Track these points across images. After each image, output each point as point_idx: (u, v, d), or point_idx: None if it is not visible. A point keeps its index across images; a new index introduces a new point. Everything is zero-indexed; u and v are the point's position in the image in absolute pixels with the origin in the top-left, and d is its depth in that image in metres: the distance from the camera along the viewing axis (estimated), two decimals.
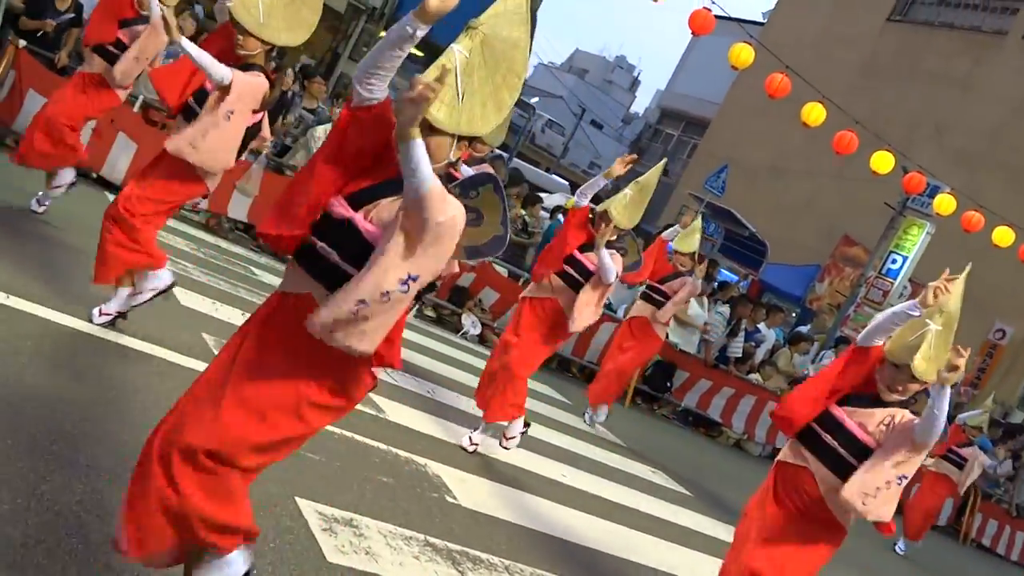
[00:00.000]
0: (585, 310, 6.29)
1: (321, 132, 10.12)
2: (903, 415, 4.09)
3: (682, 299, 9.17)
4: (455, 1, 2.49)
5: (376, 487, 4.77)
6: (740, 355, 12.58)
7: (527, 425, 6.39)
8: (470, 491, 5.44)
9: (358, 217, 2.68)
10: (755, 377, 12.71)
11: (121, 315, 5.28)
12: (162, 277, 5.37)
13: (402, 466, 5.29)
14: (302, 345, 2.69)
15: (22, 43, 8.63)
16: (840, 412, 4.18)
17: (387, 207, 2.68)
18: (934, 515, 11.36)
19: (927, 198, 15.73)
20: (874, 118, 17.47)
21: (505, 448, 6.32)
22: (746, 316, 12.78)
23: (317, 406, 2.76)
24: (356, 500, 4.48)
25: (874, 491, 3.95)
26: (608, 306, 11.67)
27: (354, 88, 2.67)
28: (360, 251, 2.63)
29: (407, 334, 8.94)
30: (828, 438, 4.16)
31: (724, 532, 7.71)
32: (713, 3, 11.77)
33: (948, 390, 3.88)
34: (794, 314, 18.49)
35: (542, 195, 16.34)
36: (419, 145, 2.46)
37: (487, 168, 7.46)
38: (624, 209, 6.45)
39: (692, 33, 12.16)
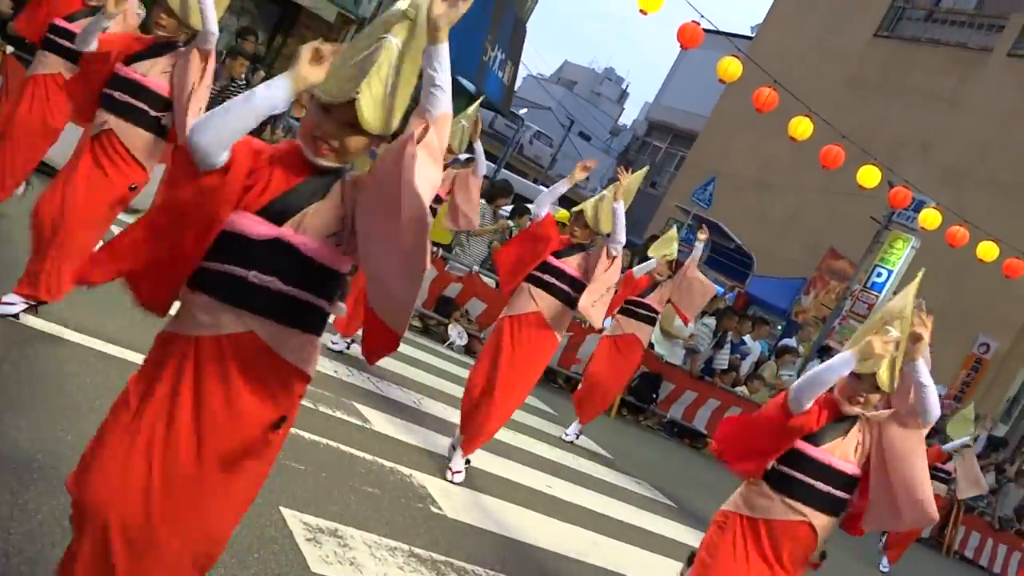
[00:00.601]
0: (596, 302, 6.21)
1: None
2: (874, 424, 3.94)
3: (695, 260, 9.16)
4: (321, 76, 2.40)
5: (361, 497, 4.77)
6: (726, 367, 12.61)
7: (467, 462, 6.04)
8: (455, 502, 5.44)
9: (287, 233, 2.44)
10: (741, 389, 12.73)
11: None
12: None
13: (387, 476, 5.28)
14: (255, 388, 2.47)
15: (10, 49, 8.60)
16: (819, 453, 3.92)
17: (316, 214, 2.47)
18: (917, 535, 11.21)
19: (912, 212, 15.83)
20: (860, 133, 17.56)
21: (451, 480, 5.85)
22: (732, 328, 12.82)
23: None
24: (341, 510, 4.47)
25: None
26: None
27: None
28: (302, 270, 2.45)
29: None
30: (820, 485, 3.92)
31: None
32: (702, 17, 11.84)
33: (922, 361, 3.76)
34: (780, 327, 18.53)
35: (530, 206, 16.39)
36: (446, 49, 2.36)
37: (462, 173, 7.43)
38: (599, 211, 6.24)
39: (681, 46, 12.23)
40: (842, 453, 3.93)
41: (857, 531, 4.15)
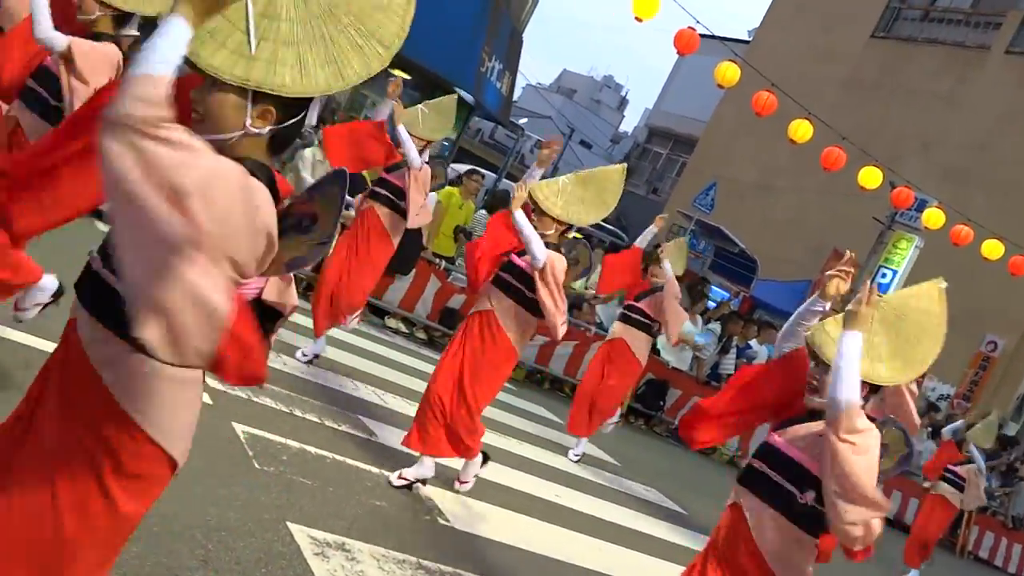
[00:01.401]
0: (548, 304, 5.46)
1: (309, 154, 10.13)
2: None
3: (672, 313, 8.27)
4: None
5: (368, 511, 4.75)
6: (732, 372, 12.58)
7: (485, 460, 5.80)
8: (463, 513, 5.42)
9: None
10: None
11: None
12: (46, 287, 4.64)
13: (394, 489, 5.27)
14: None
15: None
16: (780, 440, 3.52)
17: None
18: (934, 542, 10.92)
19: (915, 212, 15.81)
20: (860, 133, 17.54)
21: (458, 490, 5.73)
22: (737, 333, 12.80)
23: None
24: (348, 524, 4.46)
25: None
26: (599, 324, 11.69)
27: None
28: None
29: (398, 356, 8.94)
30: (774, 475, 3.46)
31: None
32: (698, 23, 11.85)
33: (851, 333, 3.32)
34: None
35: None
36: (178, 24, 1.81)
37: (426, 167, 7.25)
38: (555, 196, 5.56)
39: (678, 53, 12.23)
40: (793, 438, 3.48)
41: (851, 556, 3.52)
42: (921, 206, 15.57)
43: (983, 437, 10.27)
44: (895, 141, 22.61)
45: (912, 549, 10.49)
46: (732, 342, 12.64)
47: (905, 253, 16.28)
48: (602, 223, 30.40)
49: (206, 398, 5.33)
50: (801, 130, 13.37)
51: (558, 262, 5.38)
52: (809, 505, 3.36)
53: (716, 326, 12.46)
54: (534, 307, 5.49)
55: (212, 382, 5.62)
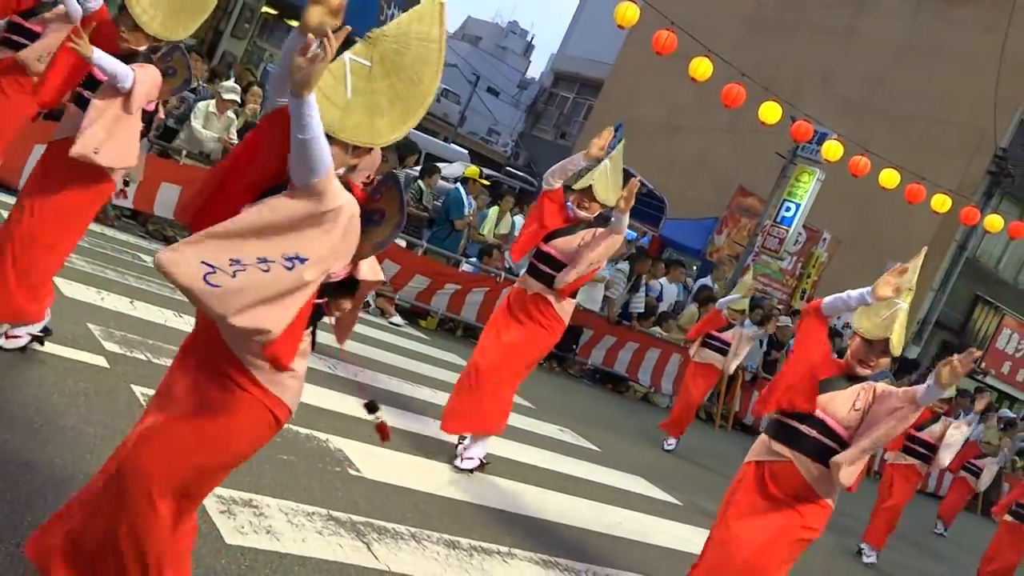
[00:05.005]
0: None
1: (203, 107, 9.86)
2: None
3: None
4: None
5: (276, 465, 4.70)
6: (642, 310, 12.74)
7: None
8: (374, 463, 5.40)
9: None
10: (658, 330, 12.90)
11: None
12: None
13: (303, 443, 5.22)
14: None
15: None
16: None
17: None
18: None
19: (815, 145, 16.05)
20: (761, 70, 17.76)
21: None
22: (645, 271, 12.93)
23: None
24: (255, 480, 4.41)
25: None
26: (508, 270, 11.67)
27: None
28: None
29: None
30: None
31: (632, 484, 7.84)
32: None
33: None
34: (695, 267, 18.80)
35: (441, 164, 16.30)
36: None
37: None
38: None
39: None
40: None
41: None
42: (821, 139, 15.83)
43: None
44: (796, 76, 22.99)
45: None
46: (641, 281, 12.78)
47: (807, 186, 16.54)
48: (511, 168, 30.39)
49: (103, 361, 5.20)
50: (701, 68, 13.46)
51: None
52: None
53: (625, 265, 12.55)
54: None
55: (109, 345, 5.48)
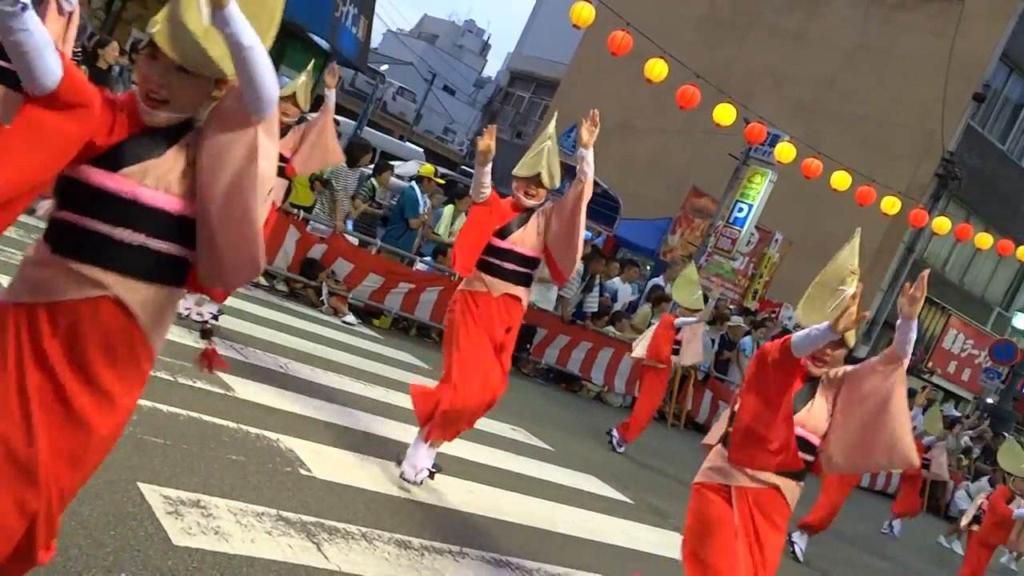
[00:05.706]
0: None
1: None
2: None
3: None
4: None
5: (225, 466, 4.66)
6: (596, 309, 12.80)
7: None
8: (325, 463, 5.37)
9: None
10: (611, 330, 12.96)
11: None
12: None
13: (253, 443, 5.17)
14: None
15: None
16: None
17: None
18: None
19: (768, 147, 16.27)
20: (715, 72, 17.93)
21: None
22: (600, 271, 12.99)
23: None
24: (203, 481, 4.36)
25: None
26: None
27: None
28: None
29: (258, 310, 8.75)
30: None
31: (584, 483, 7.87)
32: None
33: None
34: (649, 267, 18.93)
35: (396, 163, 16.23)
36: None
37: None
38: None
39: None
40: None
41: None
42: (774, 141, 16.04)
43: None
44: (749, 78, 23.22)
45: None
46: (595, 280, 12.83)
47: (760, 187, 16.76)
48: (467, 167, 30.33)
49: None
50: (656, 69, 13.55)
51: None
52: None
53: (579, 265, 12.58)
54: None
55: None
